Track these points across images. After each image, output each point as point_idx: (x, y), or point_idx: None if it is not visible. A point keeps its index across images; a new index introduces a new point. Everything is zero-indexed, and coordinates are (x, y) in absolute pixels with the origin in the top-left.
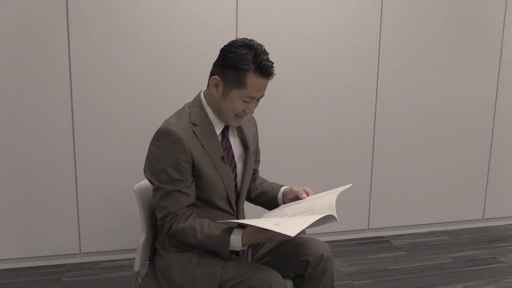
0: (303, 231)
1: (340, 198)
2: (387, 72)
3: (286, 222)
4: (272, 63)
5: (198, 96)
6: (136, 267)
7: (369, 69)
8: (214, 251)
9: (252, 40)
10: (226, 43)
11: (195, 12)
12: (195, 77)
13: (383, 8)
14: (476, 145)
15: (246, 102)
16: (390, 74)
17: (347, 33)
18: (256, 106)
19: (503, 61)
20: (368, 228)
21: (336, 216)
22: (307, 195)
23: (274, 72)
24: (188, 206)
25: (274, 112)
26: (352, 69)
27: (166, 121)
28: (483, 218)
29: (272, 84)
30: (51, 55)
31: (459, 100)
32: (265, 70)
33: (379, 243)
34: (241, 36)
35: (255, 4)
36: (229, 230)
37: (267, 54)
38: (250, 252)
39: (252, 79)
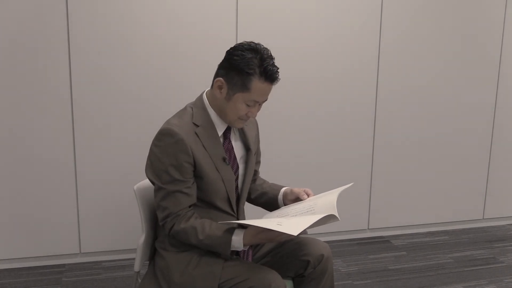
0: (304, 231)
1: (340, 198)
2: (387, 73)
3: (288, 222)
4: (278, 68)
5: (201, 97)
6: (136, 267)
7: (369, 69)
8: (215, 251)
9: (258, 44)
10: (226, 47)
11: (195, 13)
12: (195, 78)
13: (383, 7)
14: (476, 145)
15: (249, 106)
16: (390, 74)
17: (347, 33)
18: (258, 110)
19: (503, 61)
20: (368, 228)
21: (337, 215)
22: (308, 196)
23: (279, 77)
24: (190, 207)
25: (274, 114)
26: (352, 70)
27: (168, 122)
28: (483, 218)
29: (273, 88)
30: (51, 55)
31: (459, 100)
32: (270, 75)
33: (379, 243)
34: (240, 37)
35: (255, 5)
36: (230, 230)
37: (273, 59)
38: (250, 252)
39: (257, 83)
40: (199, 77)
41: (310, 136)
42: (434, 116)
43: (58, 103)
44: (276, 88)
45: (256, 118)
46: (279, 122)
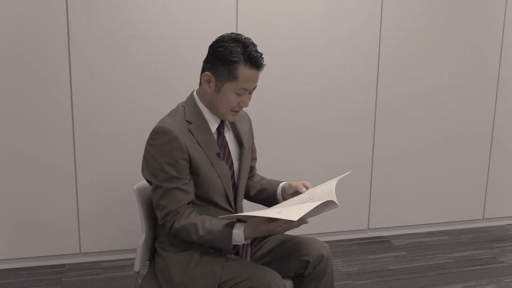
0: (304, 220)
1: (340, 198)
2: (387, 72)
3: (288, 209)
4: (261, 54)
5: (191, 95)
6: (136, 267)
7: (369, 68)
8: (216, 246)
9: (239, 34)
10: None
11: (195, 12)
12: (195, 77)
13: (383, 8)
14: (476, 145)
15: (239, 95)
16: (390, 74)
17: (347, 31)
18: (249, 99)
19: (503, 62)
20: (368, 228)
21: (336, 201)
22: (306, 188)
23: (264, 63)
24: (188, 204)
25: (273, 111)
26: (352, 68)
27: (161, 120)
28: (483, 218)
29: (272, 83)
30: (51, 55)
31: (459, 100)
32: (254, 61)
33: (379, 243)
34: None
35: (255, 8)
36: (231, 224)
37: (255, 46)
38: (249, 249)
39: (243, 70)
40: (198, 77)
41: (310, 136)
42: (434, 117)
43: (58, 103)
44: (275, 85)
45: (256, 118)
46: (279, 123)
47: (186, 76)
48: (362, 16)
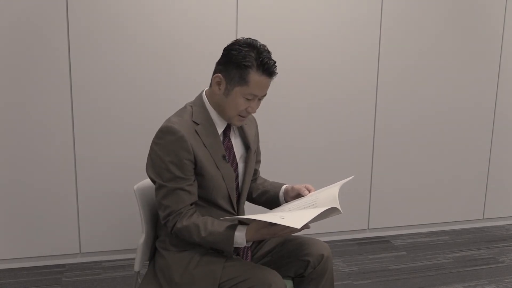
0: (307, 225)
1: (340, 198)
2: (387, 74)
3: (291, 215)
4: (275, 62)
5: (200, 95)
6: (136, 267)
7: (369, 70)
8: (218, 248)
9: (255, 40)
10: (226, 43)
11: (195, 12)
12: (195, 77)
13: (383, 11)
14: (476, 145)
15: (248, 100)
16: (390, 76)
17: (347, 33)
18: (258, 106)
19: (503, 64)
20: (368, 228)
21: (339, 208)
22: (309, 191)
23: (277, 71)
24: (191, 205)
25: (274, 113)
26: (353, 70)
27: (168, 120)
28: (483, 218)
29: (272, 84)
30: (51, 55)
31: (459, 101)
32: (267, 68)
33: (379, 243)
34: (241, 33)
35: (255, 4)
36: (233, 226)
37: (269, 53)
38: (250, 252)
39: (255, 76)
40: (198, 77)
41: (310, 135)
42: (434, 117)
43: (58, 104)
44: (275, 87)
45: (256, 117)
46: (279, 122)
47: (184, 76)
48: (362, 10)
